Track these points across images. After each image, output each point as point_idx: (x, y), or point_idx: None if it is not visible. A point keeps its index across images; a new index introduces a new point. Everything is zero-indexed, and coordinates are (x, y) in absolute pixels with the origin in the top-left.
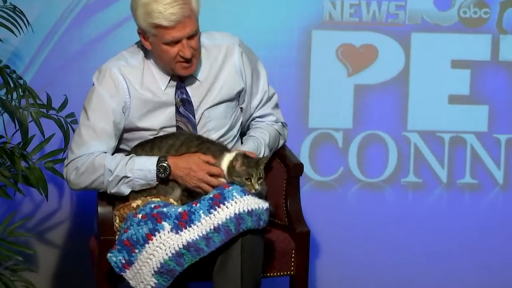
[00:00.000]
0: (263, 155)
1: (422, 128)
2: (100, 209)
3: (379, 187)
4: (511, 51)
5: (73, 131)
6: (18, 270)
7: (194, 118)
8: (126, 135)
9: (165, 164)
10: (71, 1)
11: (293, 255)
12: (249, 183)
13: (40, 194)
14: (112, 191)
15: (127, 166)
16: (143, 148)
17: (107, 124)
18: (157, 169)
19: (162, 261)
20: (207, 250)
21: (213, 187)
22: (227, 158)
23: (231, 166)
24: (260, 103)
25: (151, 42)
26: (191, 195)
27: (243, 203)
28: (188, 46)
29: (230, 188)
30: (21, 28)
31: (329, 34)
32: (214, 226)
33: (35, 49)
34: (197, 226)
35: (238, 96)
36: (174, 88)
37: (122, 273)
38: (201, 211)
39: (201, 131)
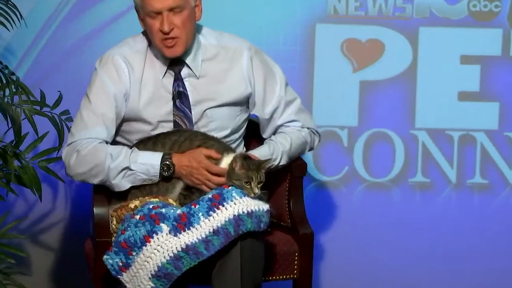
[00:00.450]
0: (279, 161)
1: (430, 126)
2: (95, 210)
3: (385, 187)
4: None
5: (68, 129)
6: (11, 274)
7: (191, 113)
8: (123, 126)
9: (169, 163)
10: None
11: (296, 258)
12: (248, 186)
13: (33, 195)
14: (112, 181)
15: (131, 157)
16: (145, 144)
17: (109, 109)
18: (161, 166)
19: (160, 264)
20: (206, 253)
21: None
22: (227, 159)
23: (230, 168)
24: (276, 109)
25: (142, 19)
26: (190, 195)
27: (242, 204)
28: (167, 20)
29: (229, 188)
30: (14, 22)
31: (333, 28)
32: (213, 229)
33: (28, 44)
34: (196, 228)
35: (245, 101)
36: (172, 80)
37: (119, 276)
38: (200, 213)
39: (201, 129)
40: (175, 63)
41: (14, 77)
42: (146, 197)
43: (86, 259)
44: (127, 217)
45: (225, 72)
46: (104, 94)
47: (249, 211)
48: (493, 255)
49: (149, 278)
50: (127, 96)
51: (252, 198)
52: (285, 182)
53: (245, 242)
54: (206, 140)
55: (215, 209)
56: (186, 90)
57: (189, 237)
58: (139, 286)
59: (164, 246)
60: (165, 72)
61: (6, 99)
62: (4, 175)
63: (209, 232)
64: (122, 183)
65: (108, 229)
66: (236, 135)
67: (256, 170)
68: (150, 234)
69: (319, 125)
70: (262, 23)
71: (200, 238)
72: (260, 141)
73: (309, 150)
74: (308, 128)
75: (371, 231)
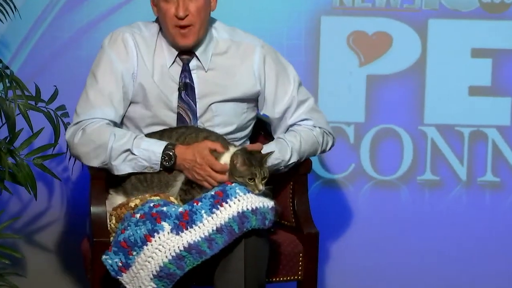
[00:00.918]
0: (288, 160)
1: (440, 122)
2: (92, 209)
3: (393, 185)
4: None
5: (64, 125)
6: (5, 275)
7: (195, 106)
8: (126, 112)
9: (171, 153)
10: None
11: (300, 258)
12: (252, 183)
13: (28, 193)
14: (113, 162)
15: (134, 141)
16: (151, 136)
17: (116, 89)
18: (162, 155)
19: (162, 264)
20: (209, 252)
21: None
22: (227, 155)
23: (232, 166)
24: (287, 109)
25: (156, 5)
26: (190, 190)
27: (246, 201)
28: (183, 5)
29: (233, 184)
30: (8, 14)
31: (339, 20)
32: (216, 227)
33: (23, 37)
34: (199, 227)
35: (253, 99)
36: (179, 71)
37: (119, 277)
38: (203, 211)
39: (205, 124)
40: (184, 54)
41: (8, 71)
42: (147, 195)
43: (83, 260)
44: (127, 216)
45: (235, 68)
46: (112, 73)
47: (254, 208)
48: (505, 255)
49: (151, 279)
50: (135, 76)
51: (257, 194)
52: (289, 180)
53: (250, 240)
54: (211, 134)
55: (218, 206)
56: (193, 82)
57: (191, 235)
58: (140, 287)
59: (166, 245)
60: (173, 62)
61: None
62: None
63: (213, 230)
64: (122, 167)
65: (106, 229)
66: (242, 133)
67: (259, 165)
68: (151, 233)
69: None
70: (265, 16)
71: (203, 236)
72: (266, 141)
73: (321, 152)
74: (320, 128)
75: (378, 231)
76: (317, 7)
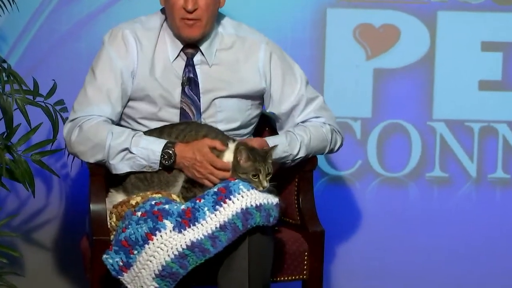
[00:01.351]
0: (297, 154)
1: (449, 117)
2: (92, 206)
3: (401, 182)
4: None
5: (63, 120)
6: (2, 274)
7: (199, 102)
8: (127, 108)
9: (170, 152)
10: None
11: (305, 257)
12: (256, 180)
13: (26, 190)
14: (110, 161)
15: (133, 140)
16: (151, 133)
17: (115, 86)
18: (161, 154)
19: (164, 263)
20: (213, 250)
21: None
22: (229, 153)
23: (235, 162)
24: (295, 106)
25: None
26: (191, 188)
27: (250, 197)
28: None
29: (236, 180)
30: (5, 6)
31: (345, 13)
32: (220, 224)
33: (21, 29)
34: (202, 224)
35: (258, 96)
36: (183, 65)
37: (119, 277)
38: (205, 208)
39: (208, 120)
40: (188, 48)
41: (5, 65)
42: (148, 193)
43: (82, 259)
44: (128, 214)
45: (239, 63)
46: (111, 70)
47: (258, 204)
48: None
49: (153, 278)
50: (134, 73)
51: (261, 191)
52: (294, 177)
53: (254, 238)
54: (211, 131)
55: (222, 203)
56: (197, 77)
57: (194, 233)
58: (142, 286)
59: (168, 244)
60: (177, 56)
61: None
62: None
63: (216, 228)
64: (120, 166)
65: (106, 227)
66: (245, 130)
67: (262, 161)
68: (152, 232)
69: None
70: (269, 8)
71: (206, 234)
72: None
73: (329, 152)
74: (330, 125)
75: (385, 229)
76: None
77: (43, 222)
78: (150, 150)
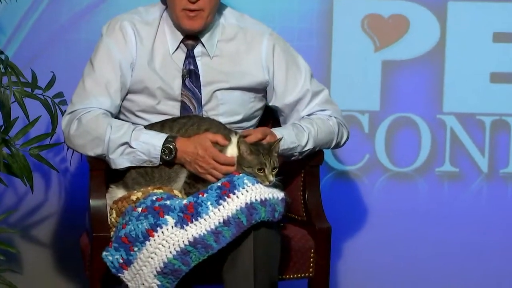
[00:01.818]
0: (305, 145)
1: (460, 110)
2: (92, 202)
3: (410, 177)
4: None
5: (62, 113)
6: (0, 271)
7: (200, 94)
8: (126, 101)
9: (171, 146)
10: None
11: (312, 254)
12: (262, 174)
13: (24, 185)
14: (110, 156)
15: (133, 133)
16: (152, 127)
17: (114, 78)
18: (162, 149)
19: (166, 260)
20: (216, 246)
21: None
22: (232, 147)
23: (239, 155)
24: (299, 100)
25: None
26: (194, 184)
27: (255, 192)
28: None
29: (240, 174)
30: None
31: (353, 2)
32: (223, 219)
33: (18, 20)
34: (205, 219)
35: (261, 89)
36: (183, 57)
37: (120, 274)
38: (208, 203)
39: (210, 112)
40: (189, 39)
41: (3, 56)
42: (149, 188)
43: (81, 256)
44: (128, 210)
45: (241, 55)
46: (110, 62)
47: (263, 199)
48: None
49: (154, 276)
50: (133, 65)
51: (267, 186)
52: (300, 172)
53: (259, 233)
54: (213, 125)
55: (225, 197)
56: (198, 69)
57: (197, 229)
58: (143, 284)
59: (170, 240)
60: (177, 47)
61: None
62: None
63: (219, 223)
64: (120, 161)
65: (106, 223)
66: (248, 123)
67: (268, 154)
68: (153, 228)
69: None
70: None
71: (209, 229)
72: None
73: (335, 146)
74: (336, 118)
75: (393, 225)
76: None
77: (41, 218)
78: (150, 144)
